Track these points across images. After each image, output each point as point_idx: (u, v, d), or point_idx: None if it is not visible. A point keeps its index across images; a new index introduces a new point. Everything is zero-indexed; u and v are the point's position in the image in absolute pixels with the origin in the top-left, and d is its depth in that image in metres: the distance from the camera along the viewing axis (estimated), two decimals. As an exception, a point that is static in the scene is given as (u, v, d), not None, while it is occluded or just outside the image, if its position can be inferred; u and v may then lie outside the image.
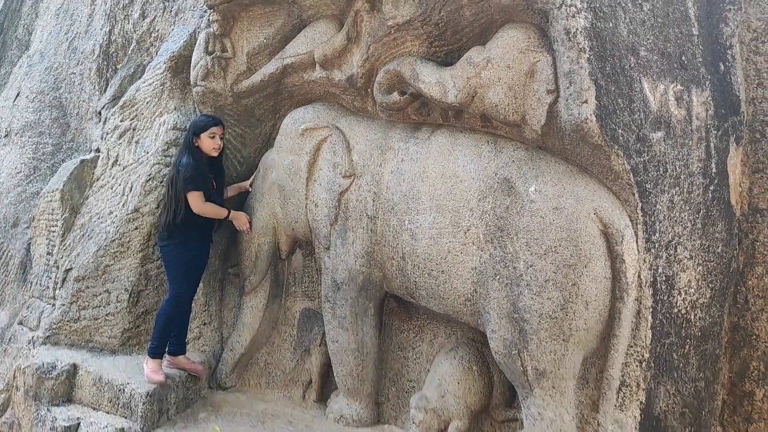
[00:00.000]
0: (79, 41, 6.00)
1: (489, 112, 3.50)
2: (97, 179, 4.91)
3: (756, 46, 3.69)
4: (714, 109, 3.48)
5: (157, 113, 4.65)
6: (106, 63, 5.58)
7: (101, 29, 5.67)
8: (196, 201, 4.01)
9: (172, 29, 4.90)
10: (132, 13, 5.31)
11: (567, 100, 3.19)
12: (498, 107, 3.44)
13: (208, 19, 4.47)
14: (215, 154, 4.18)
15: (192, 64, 4.49)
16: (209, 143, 4.12)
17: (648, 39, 3.35)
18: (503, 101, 3.42)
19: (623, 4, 3.32)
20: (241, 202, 4.56)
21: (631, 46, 3.29)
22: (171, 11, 4.98)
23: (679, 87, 3.36)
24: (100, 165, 4.89)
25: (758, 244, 3.52)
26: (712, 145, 3.45)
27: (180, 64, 4.63)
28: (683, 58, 3.43)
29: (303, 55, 4.16)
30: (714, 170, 3.44)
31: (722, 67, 3.63)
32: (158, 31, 5.05)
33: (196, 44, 4.50)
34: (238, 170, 4.65)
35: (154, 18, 5.09)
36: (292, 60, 4.21)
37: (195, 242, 4.14)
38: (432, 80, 3.63)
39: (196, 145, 4.10)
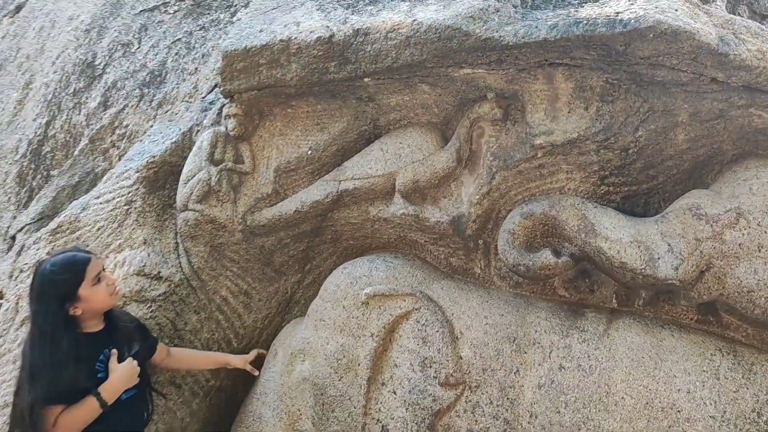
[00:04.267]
0: (-2, 135, 4.27)
1: (734, 299, 2.05)
2: (-8, 343, 3.01)
3: None
4: None
5: (113, 246, 2.91)
6: (33, 166, 3.84)
7: (35, 120, 3.99)
8: (49, 425, 2.10)
9: (151, 126, 3.30)
10: (87, 101, 3.69)
11: None
12: (753, 294, 2.00)
13: (219, 113, 2.93)
14: (118, 299, 2.38)
15: (183, 178, 2.87)
16: (102, 293, 2.25)
17: None
18: (764, 284, 1.97)
19: None
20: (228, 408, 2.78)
21: None
22: (151, 101, 3.41)
23: None
24: (2, 320, 3.02)
25: None
26: None
27: (161, 176, 2.99)
28: None
29: (375, 177, 2.64)
30: None
31: None
32: (128, 126, 3.43)
33: (194, 148, 2.91)
34: (233, 347, 2.91)
35: (123, 108, 3.48)
36: (355, 184, 2.67)
37: None
38: (623, 238, 2.17)
39: (73, 313, 2.20)
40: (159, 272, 2.82)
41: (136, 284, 2.80)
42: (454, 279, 2.60)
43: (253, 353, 2.81)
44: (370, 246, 2.82)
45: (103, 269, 2.31)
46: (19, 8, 5.16)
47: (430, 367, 2.36)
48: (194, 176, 2.84)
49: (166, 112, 3.30)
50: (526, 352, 2.27)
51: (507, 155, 2.44)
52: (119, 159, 3.35)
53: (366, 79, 2.56)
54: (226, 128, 2.86)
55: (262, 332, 2.96)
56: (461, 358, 2.34)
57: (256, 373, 2.78)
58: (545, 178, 2.42)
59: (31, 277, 2.27)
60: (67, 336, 2.17)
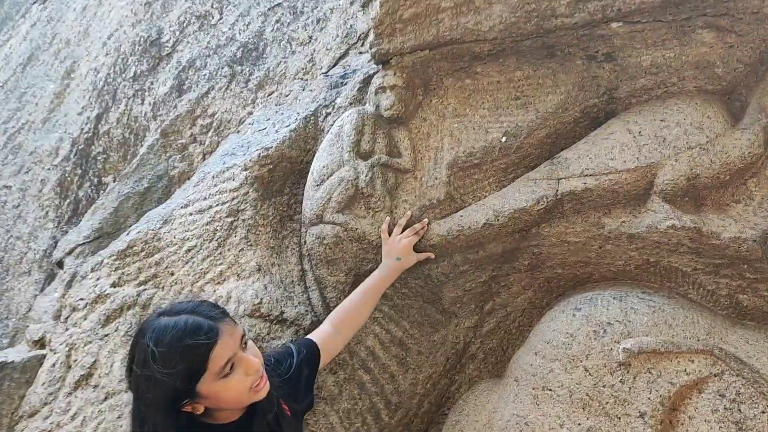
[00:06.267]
0: (28, 135, 3.42)
1: None
2: (34, 412, 2.12)
3: None
4: None
5: (211, 275, 2.03)
6: (79, 171, 2.98)
7: (81, 114, 3.14)
8: None
9: (250, 113, 2.44)
10: (153, 86, 2.84)
11: None
12: None
13: (361, 88, 2.09)
14: (262, 395, 1.36)
15: (314, 177, 2.02)
16: (236, 389, 1.30)
17: None
18: None
19: None
20: None
21: None
22: (247, 81, 2.55)
23: None
24: (47, 381, 2.13)
25: None
26: None
27: (277, 176, 2.12)
28: None
29: (620, 173, 1.78)
30: None
31: None
32: (214, 115, 2.56)
33: (329, 136, 2.05)
34: (382, 422, 2.01)
35: (207, 92, 2.63)
36: (585, 183, 1.80)
37: None
38: None
39: (192, 411, 1.32)
40: (282, 312, 1.95)
41: (250, 330, 1.92)
42: (746, 327, 1.71)
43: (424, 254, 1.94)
44: (590, 276, 1.94)
45: (243, 342, 1.34)
46: (51, -8, 4.36)
47: (759, 472, 1.46)
48: (332, 174, 1.98)
49: (270, 94, 2.44)
50: None
51: None
52: (203, 157, 2.51)
53: (614, 25, 1.72)
54: (377, 107, 2.01)
55: (423, 400, 2.07)
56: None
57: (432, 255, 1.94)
58: None
59: (128, 350, 1.34)
60: None
